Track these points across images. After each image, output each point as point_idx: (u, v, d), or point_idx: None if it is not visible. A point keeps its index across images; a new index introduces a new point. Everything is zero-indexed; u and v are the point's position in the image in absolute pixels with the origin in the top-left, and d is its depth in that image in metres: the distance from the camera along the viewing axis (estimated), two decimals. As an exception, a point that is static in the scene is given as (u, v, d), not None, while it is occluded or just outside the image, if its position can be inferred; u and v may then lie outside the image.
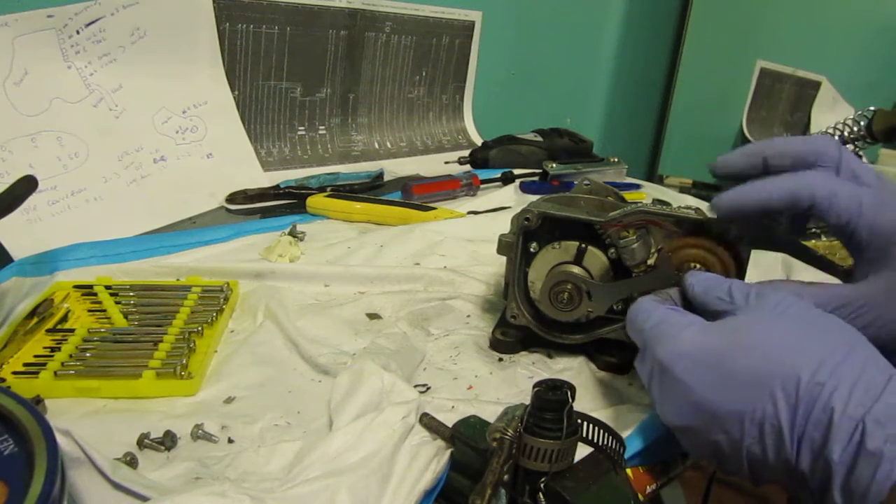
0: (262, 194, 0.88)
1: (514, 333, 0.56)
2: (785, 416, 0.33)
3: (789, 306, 0.38)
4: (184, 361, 0.48)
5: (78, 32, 0.78)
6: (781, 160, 0.46)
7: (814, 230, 0.91)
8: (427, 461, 0.38)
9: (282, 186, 0.90)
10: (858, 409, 0.32)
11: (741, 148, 0.49)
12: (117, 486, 0.36)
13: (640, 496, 0.37)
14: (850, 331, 0.36)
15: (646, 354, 0.41)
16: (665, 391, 0.39)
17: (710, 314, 0.42)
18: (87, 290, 0.58)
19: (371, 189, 0.98)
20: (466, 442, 0.38)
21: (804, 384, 0.33)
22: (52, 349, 0.50)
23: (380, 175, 1.01)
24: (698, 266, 0.49)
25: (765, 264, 0.68)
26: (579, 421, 0.36)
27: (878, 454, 0.31)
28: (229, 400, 0.47)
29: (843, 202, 0.43)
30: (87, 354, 0.49)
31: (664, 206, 0.52)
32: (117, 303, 0.57)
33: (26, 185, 0.57)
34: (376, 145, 1.18)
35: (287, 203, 0.89)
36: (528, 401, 0.35)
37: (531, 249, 0.53)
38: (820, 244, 0.84)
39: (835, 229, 0.44)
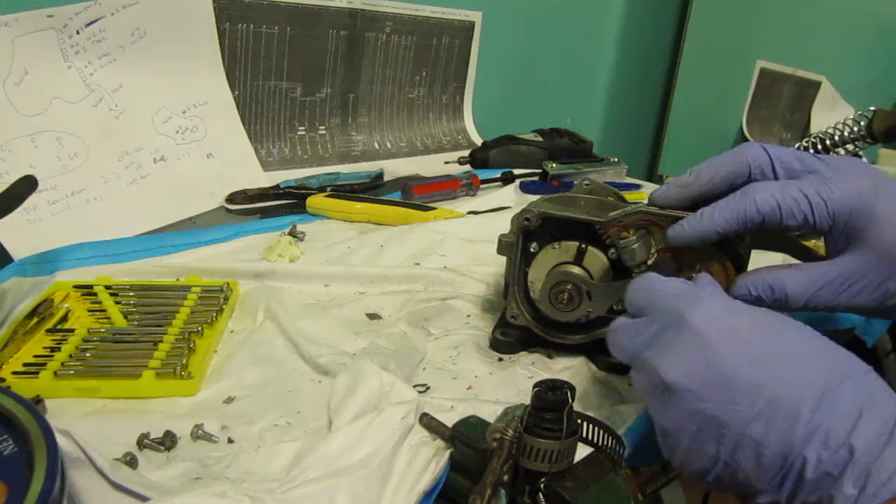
0: (262, 194, 0.88)
1: (514, 333, 0.56)
2: (808, 402, 0.34)
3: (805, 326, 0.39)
4: (184, 361, 0.48)
5: (78, 32, 0.78)
6: (720, 185, 0.47)
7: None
8: (427, 461, 0.38)
9: (282, 186, 0.90)
10: (893, 409, 0.33)
11: (676, 179, 0.49)
12: (117, 487, 0.36)
13: (640, 496, 0.36)
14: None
15: (655, 312, 0.40)
16: (683, 348, 0.37)
17: None
18: (87, 290, 0.58)
19: (371, 189, 0.98)
20: (466, 442, 0.38)
21: (835, 383, 0.34)
22: (52, 349, 0.50)
23: (380, 175, 1.01)
24: (698, 267, 0.49)
25: (765, 265, 0.68)
26: (579, 421, 0.36)
27: None
28: (229, 400, 0.47)
29: (789, 204, 0.44)
30: (87, 354, 0.50)
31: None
32: (117, 303, 0.57)
33: (26, 185, 0.57)
34: (376, 145, 1.18)
35: (287, 203, 0.89)
36: (527, 401, 0.35)
37: (531, 249, 0.53)
38: (820, 244, 0.84)
39: (798, 230, 0.45)
